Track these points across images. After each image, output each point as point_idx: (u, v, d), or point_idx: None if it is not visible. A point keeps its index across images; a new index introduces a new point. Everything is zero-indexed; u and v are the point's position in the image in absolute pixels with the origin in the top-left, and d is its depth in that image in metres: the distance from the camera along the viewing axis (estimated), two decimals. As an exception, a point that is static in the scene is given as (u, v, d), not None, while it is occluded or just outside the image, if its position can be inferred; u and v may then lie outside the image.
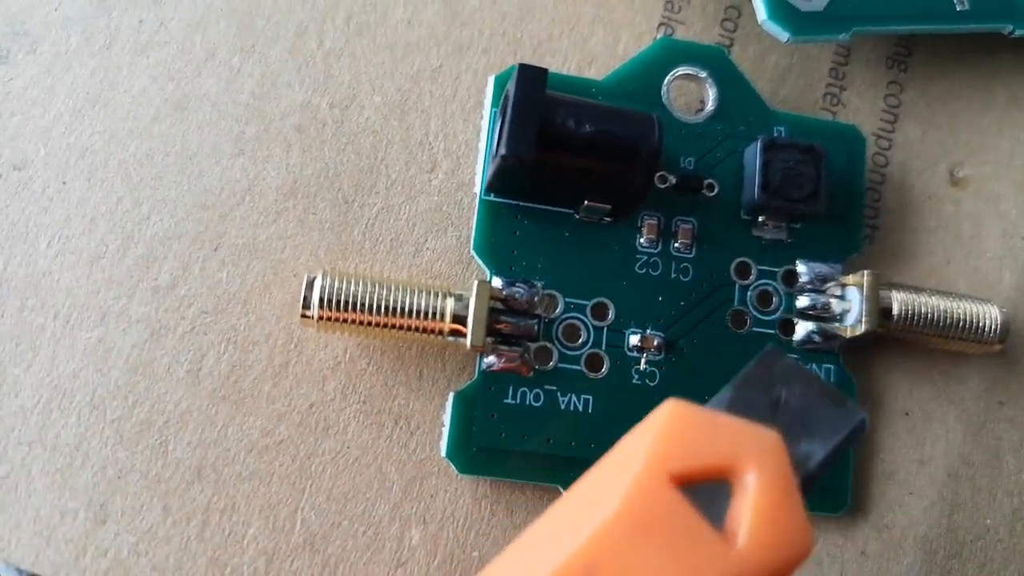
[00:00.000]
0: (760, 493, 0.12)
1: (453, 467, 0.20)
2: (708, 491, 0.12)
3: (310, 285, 0.19)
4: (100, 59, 0.21)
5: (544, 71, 0.18)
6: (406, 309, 0.19)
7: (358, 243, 0.21)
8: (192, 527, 0.19)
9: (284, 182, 0.21)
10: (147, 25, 0.22)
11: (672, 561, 0.12)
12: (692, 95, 0.23)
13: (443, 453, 0.20)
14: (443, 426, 0.20)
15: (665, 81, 0.22)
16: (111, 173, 0.21)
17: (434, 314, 0.19)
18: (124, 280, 0.20)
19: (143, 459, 0.19)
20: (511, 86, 0.19)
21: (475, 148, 0.22)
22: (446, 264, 0.21)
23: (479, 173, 0.21)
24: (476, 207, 0.21)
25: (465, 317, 0.19)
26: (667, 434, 0.13)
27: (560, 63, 0.23)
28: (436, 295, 0.19)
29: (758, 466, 0.12)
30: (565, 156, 0.19)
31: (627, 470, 0.12)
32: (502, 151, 0.18)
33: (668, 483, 0.12)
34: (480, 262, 0.20)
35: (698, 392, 0.20)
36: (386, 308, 0.19)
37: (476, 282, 0.19)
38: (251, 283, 0.20)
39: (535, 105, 0.18)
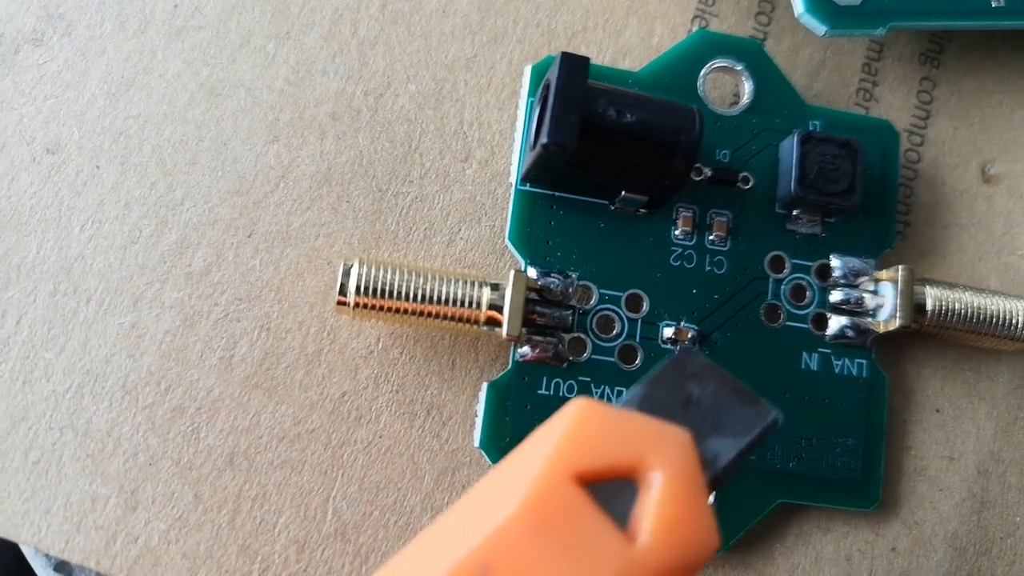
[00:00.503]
0: (665, 491, 0.12)
1: (486, 457, 0.20)
2: (616, 489, 0.12)
3: (347, 272, 0.19)
4: (135, 43, 0.21)
5: (586, 59, 0.18)
6: (442, 297, 0.19)
7: (392, 232, 0.21)
8: (223, 515, 0.19)
9: (318, 169, 0.21)
10: (182, 9, 0.21)
11: (571, 560, 0.12)
12: (727, 88, 0.22)
13: (476, 443, 0.20)
14: (476, 416, 0.20)
15: (701, 73, 0.22)
16: (145, 158, 0.21)
17: (470, 303, 0.19)
18: (157, 265, 0.20)
19: (175, 446, 0.19)
20: (552, 73, 0.18)
21: (510, 138, 0.21)
22: (479, 254, 0.21)
23: (515, 163, 0.21)
24: (511, 197, 0.20)
25: (501, 307, 0.19)
26: (573, 432, 0.13)
27: (594, 55, 0.22)
28: (472, 284, 0.19)
29: (664, 464, 0.12)
30: (606, 145, 0.19)
31: (530, 468, 0.12)
32: (544, 139, 0.18)
33: (571, 481, 0.12)
34: (515, 252, 0.20)
35: (733, 385, 0.20)
36: (422, 296, 0.19)
37: (513, 271, 0.19)
38: (284, 270, 0.20)
39: (578, 93, 0.18)
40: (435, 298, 0.19)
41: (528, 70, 0.21)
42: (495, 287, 0.19)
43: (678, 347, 0.15)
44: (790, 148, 0.21)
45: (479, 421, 0.20)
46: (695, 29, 0.23)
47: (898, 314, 0.21)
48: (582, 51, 0.22)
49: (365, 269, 0.19)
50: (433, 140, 0.21)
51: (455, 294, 0.19)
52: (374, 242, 0.21)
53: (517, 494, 0.12)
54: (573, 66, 0.18)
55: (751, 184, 0.21)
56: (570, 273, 0.20)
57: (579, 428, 0.13)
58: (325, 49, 0.22)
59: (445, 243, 0.21)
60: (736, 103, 0.22)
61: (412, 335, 0.20)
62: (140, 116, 0.21)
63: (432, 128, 0.21)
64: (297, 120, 0.21)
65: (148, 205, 0.20)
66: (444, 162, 0.21)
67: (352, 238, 0.21)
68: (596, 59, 0.22)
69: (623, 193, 0.20)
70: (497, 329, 0.19)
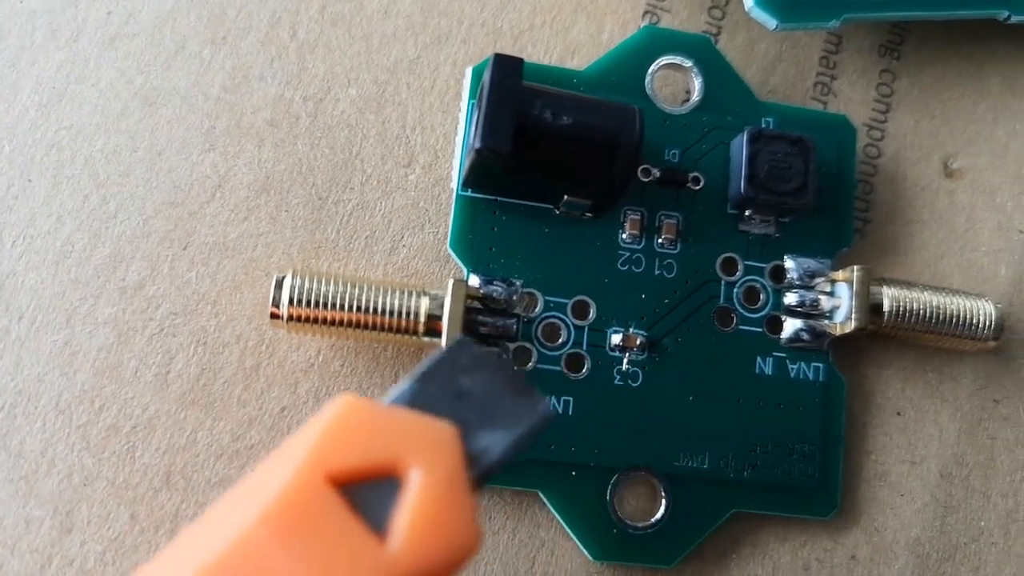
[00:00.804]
0: (423, 491, 0.12)
1: (429, 471, 0.19)
2: (377, 490, 0.12)
3: (279, 284, 0.18)
4: (67, 52, 0.21)
5: (520, 60, 0.18)
6: (379, 308, 0.18)
7: (332, 241, 0.20)
8: (161, 535, 0.19)
9: (256, 178, 0.20)
10: (115, 16, 0.21)
11: (318, 565, 0.11)
12: (678, 85, 0.22)
13: (419, 457, 0.19)
14: (419, 429, 0.19)
15: (649, 71, 0.21)
16: (77, 170, 0.20)
17: (408, 314, 0.19)
18: (91, 280, 0.20)
19: (110, 465, 0.19)
20: (486, 76, 0.18)
21: (453, 141, 0.21)
22: (423, 262, 0.20)
23: (456, 168, 0.20)
24: (453, 203, 0.20)
25: (440, 316, 0.18)
26: (330, 431, 0.12)
27: (541, 53, 0.22)
28: (410, 294, 0.19)
29: (425, 462, 0.12)
30: (543, 149, 0.18)
31: (283, 469, 0.12)
32: (476, 144, 0.17)
33: (324, 483, 0.12)
34: (457, 259, 0.20)
35: (681, 392, 0.20)
36: (358, 307, 0.18)
37: (451, 280, 0.19)
38: (221, 283, 0.20)
39: (511, 96, 0.17)
40: (372, 309, 0.18)
41: (468, 72, 0.20)
42: (434, 297, 0.19)
43: (456, 338, 0.14)
44: (740, 146, 0.20)
45: (421, 434, 0.19)
46: (644, 25, 0.22)
47: (854, 315, 0.20)
48: (528, 50, 0.22)
49: (299, 280, 0.18)
50: (375, 145, 0.21)
51: (393, 304, 0.19)
52: (314, 252, 0.20)
53: (265, 497, 0.12)
54: (506, 68, 0.18)
55: (702, 184, 0.21)
56: (514, 280, 0.20)
57: (337, 427, 0.12)
58: (263, 54, 0.21)
59: (387, 251, 0.20)
60: (687, 101, 0.21)
61: (354, 347, 0.20)
62: (72, 127, 0.20)
63: (373, 133, 0.21)
64: (234, 128, 0.21)
65: (81, 218, 0.20)
66: (386, 168, 0.21)
67: (291, 248, 0.20)
68: (543, 58, 0.22)
69: (566, 197, 0.19)
70: (437, 340, 0.19)
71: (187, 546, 0.13)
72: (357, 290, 0.18)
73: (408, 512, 0.12)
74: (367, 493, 0.12)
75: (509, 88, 0.17)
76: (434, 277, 0.20)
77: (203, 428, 0.19)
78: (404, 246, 0.21)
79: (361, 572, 0.12)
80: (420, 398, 0.13)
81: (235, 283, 0.20)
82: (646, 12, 0.23)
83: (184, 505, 0.19)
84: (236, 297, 0.20)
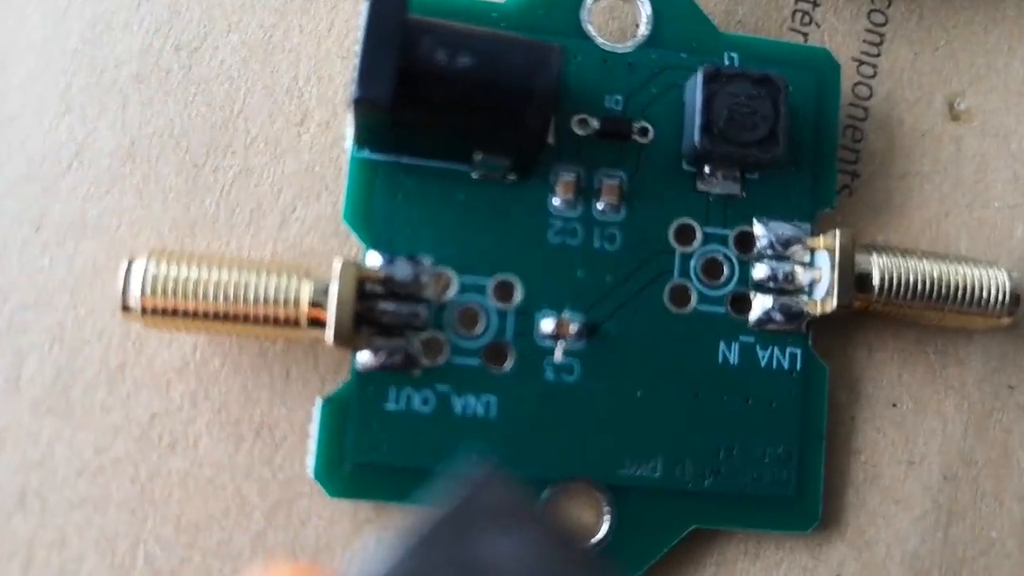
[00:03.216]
0: None
1: (323, 489, 0.16)
2: None
3: (128, 270, 0.15)
4: (-100, 2, 0.18)
5: (404, -11, 0.14)
6: (252, 296, 0.15)
7: (211, 215, 0.17)
8: (15, 565, 0.16)
9: (119, 144, 0.17)
10: (-45, -42, 0.18)
11: None
12: (626, 19, 0.18)
13: (310, 472, 0.16)
14: (310, 438, 0.16)
15: (587, 2, 0.18)
16: (-89, 141, 0.17)
17: (287, 301, 0.16)
18: (-73, 270, 0.17)
19: (-48, 486, 0.16)
20: (363, 12, 0.15)
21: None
22: (319, 237, 0.17)
23: (351, 124, 0.17)
24: (346, 166, 0.17)
25: (325, 304, 0.15)
26: None
27: (462, -15, 0.18)
28: (290, 277, 0.16)
29: None
30: (436, 98, 0.15)
31: None
32: (353, 94, 0.14)
33: None
34: (353, 233, 0.17)
35: (627, 387, 0.17)
36: (227, 296, 0.15)
37: (338, 260, 0.15)
38: (80, 269, 0.17)
39: (392, 35, 0.14)
40: (243, 297, 0.15)
41: (365, 8, 0.17)
42: (320, 280, 0.16)
43: (474, 468, 0.09)
44: (694, 89, 0.17)
45: (312, 445, 0.16)
46: (583, -52, 0.19)
47: (835, 291, 0.17)
48: (447, -18, 0.18)
49: (153, 265, 0.15)
50: (261, 101, 0.18)
51: (268, 291, 0.16)
52: (189, 229, 0.17)
53: None
54: (387, 0, 0.14)
55: (651, 136, 0.17)
56: (422, 258, 0.16)
57: None
58: (128, -3, 0.18)
59: (276, 226, 0.17)
60: (636, 37, 0.18)
61: (236, 343, 0.17)
62: (-94, 90, 0.17)
63: (259, 86, 0.18)
64: (93, 85, 0.18)
65: (-85, 197, 0.17)
66: (275, 127, 0.18)
67: (161, 225, 0.17)
68: (464, -9, 0.18)
69: (478, 155, 0.16)
70: (321, 332, 0.16)
71: None
72: (225, 275, 0.15)
73: None
74: None
75: (390, 25, 0.14)
76: (331, 256, 0.17)
77: (61, 440, 0.17)
78: (297, 219, 0.17)
79: None
80: (412, 573, 0.09)
81: (96, 269, 0.17)
82: (588, -67, 0.19)
83: (41, 530, 0.16)
84: (97, 285, 0.17)
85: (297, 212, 0.17)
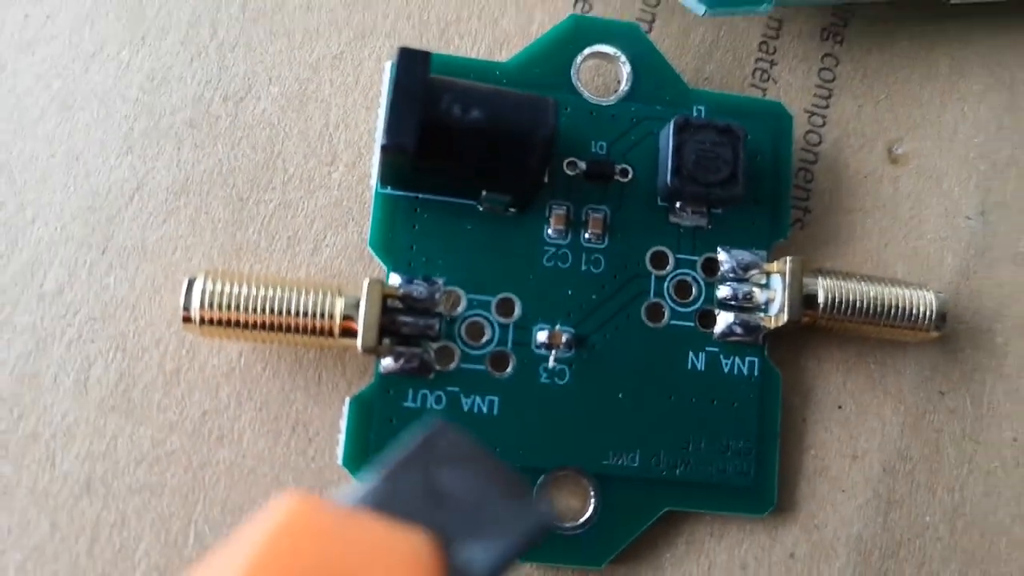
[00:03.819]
0: None
1: (351, 475, 0.19)
2: None
3: (190, 287, 0.18)
4: (-16, 57, 0.20)
5: (427, 54, 0.17)
6: (293, 309, 0.18)
7: (253, 242, 0.20)
8: (81, 543, 0.19)
9: (175, 180, 0.20)
10: (33, 20, 0.21)
11: None
12: (609, 76, 0.21)
13: (339, 461, 0.19)
14: (340, 433, 0.19)
15: (575, 61, 0.21)
16: (-5, 176, 0.20)
17: (322, 314, 0.18)
18: (8, 288, 0.19)
19: (29, 473, 0.19)
20: (393, 71, 0.17)
21: (376, 138, 0.20)
22: (346, 262, 0.20)
23: (376, 165, 0.20)
24: (371, 200, 0.20)
25: (356, 317, 0.18)
26: (275, 540, 0.10)
27: (469, 46, 0.21)
28: (326, 294, 0.18)
29: None
30: (451, 145, 0.18)
31: None
32: (382, 141, 0.17)
33: None
34: (377, 258, 0.19)
35: (610, 390, 0.19)
36: (272, 309, 0.18)
37: (367, 279, 0.18)
38: (140, 287, 0.20)
39: (415, 91, 0.17)
40: (285, 310, 0.18)
41: (387, 66, 0.20)
42: (351, 297, 0.18)
43: (432, 421, 0.12)
44: (667, 137, 0.20)
45: (342, 438, 0.19)
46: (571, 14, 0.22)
47: (786, 308, 0.19)
48: (456, 43, 0.21)
49: (210, 283, 0.18)
50: (297, 144, 0.21)
51: (307, 305, 0.18)
52: (235, 254, 0.20)
53: None
54: (412, 61, 0.17)
55: (630, 176, 0.20)
56: (436, 279, 0.19)
57: (284, 534, 0.10)
58: (182, 54, 0.21)
59: (310, 251, 0.20)
60: (618, 91, 0.21)
61: (275, 350, 0.20)
62: (-10, 132, 0.20)
63: (296, 132, 0.21)
64: (152, 129, 0.20)
65: (-2, 225, 0.20)
66: (308, 166, 0.20)
67: (211, 251, 0.20)
68: (471, 51, 0.21)
69: (485, 193, 0.19)
70: (352, 341, 0.18)
71: None
72: (271, 291, 0.18)
73: None
74: None
75: (414, 83, 0.17)
76: (357, 277, 0.20)
77: (123, 434, 0.19)
78: (327, 246, 0.20)
79: None
80: (388, 498, 0.11)
81: (154, 287, 0.20)
82: (578, 1, 0.22)
83: (105, 512, 0.19)
84: (155, 301, 0.20)
85: (327, 240, 0.20)
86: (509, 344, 0.19)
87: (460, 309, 0.19)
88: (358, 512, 0.11)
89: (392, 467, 0.11)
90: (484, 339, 0.19)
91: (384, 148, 0.17)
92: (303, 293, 0.18)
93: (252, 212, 0.20)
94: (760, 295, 0.20)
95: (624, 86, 0.21)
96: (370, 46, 0.21)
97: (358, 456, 0.19)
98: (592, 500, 0.19)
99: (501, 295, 0.19)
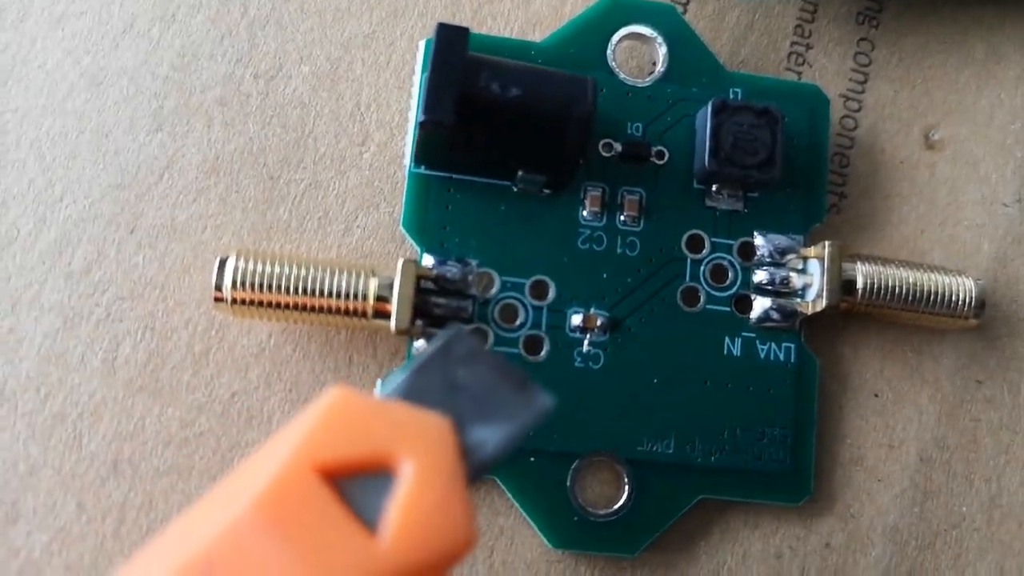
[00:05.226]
0: (416, 484, 0.12)
1: (382, 458, 0.18)
2: (372, 484, 0.12)
3: (222, 266, 0.18)
4: (13, 33, 0.20)
5: (465, 30, 0.17)
6: (326, 290, 0.18)
7: (284, 222, 0.20)
8: (108, 525, 0.18)
9: (205, 158, 0.20)
10: (62, -4, 0.20)
11: (304, 559, 0.11)
12: (644, 57, 0.21)
13: (371, 443, 0.18)
14: (371, 415, 0.19)
15: (612, 42, 0.20)
16: (23, 153, 0.20)
17: (356, 295, 0.18)
18: (36, 266, 0.19)
19: (56, 454, 0.18)
20: (431, 47, 0.17)
21: (407, 118, 0.20)
22: (378, 242, 0.20)
23: (409, 144, 0.19)
24: (405, 180, 0.19)
25: (389, 298, 0.18)
26: (321, 423, 0.12)
27: (502, 26, 0.21)
28: (359, 274, 0.18)
29: (418, 455, 0.12)
30: (489, 122, 0.17)
31: (273, 461, 0.12)
32: (420, 117, 0.17)
33: (315, 476, 0.12)
34: (410, 239, 0.19)
35: (645, 375, 0.19)
36: (304, 289, 0.18)
37: (401, 260, 0.18)
38: (169, 266, 0.19)
39: (455, 67, 0.17)
40: (319, 290, 0.18)
41: (422, 45, 0.20)
42: (385, 277, 0.18)
43: (451, 329, 0.13)
44: (704, 119, 0.19)
45: (373, 420, 0.18)
46: (608, -5, 0.21)
47: (825, 293, 0.19)
48: (488, 23, 0.21)
49: (242, 262, 0.18)
50: (328, 123, 0.20)
51: (340, 286, 0.18)
52: (265, 233, 0.20)
53: (254, 489, 0.11)
54: (450, 38, 0.17)
55: (666, 159, 0.20)
56: (469, 260, 0.19)
57: (329, 419, 0.12)
58: (213, 31, 0.20)
59: (341, 232, 0.20)
60: (653, 73, 0.21)
61: (305, 331, 0.19)
62: (19, 110, 0.20)
63: (327, 111, 0.20)
64: (182, 107, 0.20)
65: (26, 203, 0.19)
66: (340, 146, 0.20)
67: (241, 230, 0.20)
68: (504, 31, 0.21)
69: (520, 172, 0.19)
70: (386, 323, 0.18)
71: (175, 536, 0.12)
72: (303, 271, 0.18)
73: (400, 505, 0.12)
74: (360, 487, 0.12)
75: (453, 59, 0.17)
76: (389, 257, 0.20)
77: (151, 415, 0.19)
78: (358, 226, 0.20)
79: (350, 565, 0.11)
80: (414, 391, 0.13)
81: (183, 266, 0.19)
82: (611, -18, 0.22)
83: (132, 494, 0.19)
84: (184, 281, 0.19)
85: (359, 220, 0.20)
86: (543, 327, 0.19)
87: (493, 291, 0.19)
88: (389, 400, 0.13)
89: (417, 366, 0.13)
90: (518, 322, 0.19)
91: (422, 124, 0.17)
92: (336, 273, 0.18)
93: (283, 191, 0.20)
94: (797, 280, 0.20)
95: (660, 67, 0.20)
96: (402, 25, 0.21)
97: (390, 439, 0.18)
98: (626, 487, 0.19)
99: (535, 277, 0.19)
